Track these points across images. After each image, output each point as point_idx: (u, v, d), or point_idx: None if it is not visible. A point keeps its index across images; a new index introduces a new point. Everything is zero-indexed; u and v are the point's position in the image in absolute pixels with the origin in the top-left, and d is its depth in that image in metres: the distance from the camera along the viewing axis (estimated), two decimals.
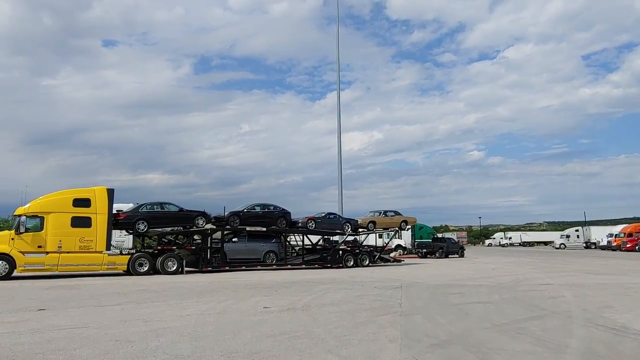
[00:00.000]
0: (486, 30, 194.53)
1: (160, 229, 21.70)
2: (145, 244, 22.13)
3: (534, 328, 8.04)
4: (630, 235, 55.51)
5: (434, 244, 41.15)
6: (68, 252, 18.13)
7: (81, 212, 18.67)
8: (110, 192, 19.46)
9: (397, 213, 29.24)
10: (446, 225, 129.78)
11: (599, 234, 66.60)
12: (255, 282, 16.27)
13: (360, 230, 28.04)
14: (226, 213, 22.70)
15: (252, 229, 23.16)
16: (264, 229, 23.42)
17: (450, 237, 50.11)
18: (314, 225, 24.99)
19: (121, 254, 19.99)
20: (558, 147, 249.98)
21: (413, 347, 6.61)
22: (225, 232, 22.76)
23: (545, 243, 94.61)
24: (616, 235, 58.55)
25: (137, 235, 21.32)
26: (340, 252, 25.44)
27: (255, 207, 23.87)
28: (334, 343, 6.78)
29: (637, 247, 51.09)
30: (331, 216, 26.61)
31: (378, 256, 27.49)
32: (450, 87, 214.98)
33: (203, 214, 21.88)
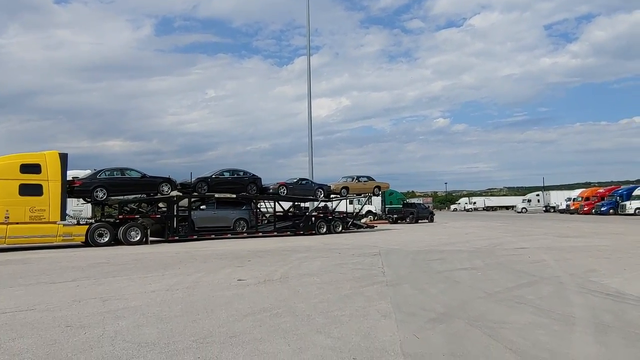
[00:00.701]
0: None
1: (121, 197, 20.30)
2: (105, 213, 20.69)
3: (530, 296, 7.52)
4: (587, 199, 57.83)
5: (405, 210, 41.16)
6: (17, 223, 16.61)
7: (30, 178, 17.04)
8: (64, 157, 17.83)
9: (370, 178, 28.64)
10: (412, 192, 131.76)
11: (558, 199, 69.07)
12: (226, 252, 15.35)
13: (332, 196, 27.35)
14: (193, 179, 21.44)
15: (221, 195, 22.05)
16: (234, 196, 22.34)
17: (420, 202, 50.31)
18: (285, 192, 24.08)
19: (78, 224, 18.57)
20: (519, 115, 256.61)
21: (410, 322, 5.91)
22: (193, 200, 21.58)
23: (507, 207, 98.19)
24: (574, 199, 60.75)
25: (96, 203, 19.84)
26: (313, 218, 24.73)
27: (224, 173, 22.69)
28: (322, 320, 6.00)
29: (593, 211, 52.99)
30: (303, 182, 25.74)
31: (351, 222, 26.98)
32: (417, 54, 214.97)
33: (168, 181, 20.57)
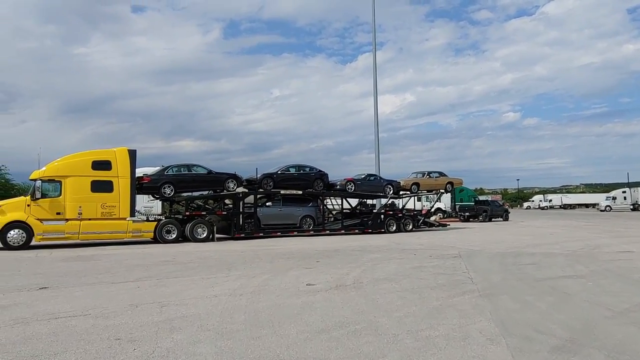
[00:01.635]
0: None
1: (188, 193, 20.21)
2: (173, 210, 20.71)
3: None
4: None
5: (478, 207, 38.77)
6: (89, 220, 16.81)
7: (102, 175, 17.20)
8: (132, 154, 17.89)
9: (441, 174, 26.90)
10: (481, 188, 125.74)
11: None
12: (292, 251, 14.54)
13: (401, 193, 25.92)
14: (259, 175, 20.94)
15: (287, 192, 21.38)
16: (300, 192, 21.60)
17: (492, 200, 47.29)
18: (353, 188, 23.01)
19: (147, 220, 18.62)
20: (598, 106, 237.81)
21: (528, 351, 4.61)
22: (259, 196, 21.08)
23: (587, 206, 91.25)
24: None
25: (164, 200, 19.85)
26: (382, 216, 23.47)
27: (290, 169, 22.01)
28: (412, 343, 4.85)
29: None
30: (371, 178, 24.54)
31: (422, 220, 25.41)
32: (485, 46, 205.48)
33: (234, 177, 20.19)
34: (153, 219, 18.60)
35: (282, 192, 21.26)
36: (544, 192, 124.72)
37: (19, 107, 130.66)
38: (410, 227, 24.16)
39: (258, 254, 13.87)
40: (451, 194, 42.12)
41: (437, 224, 26.99)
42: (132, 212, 17.72)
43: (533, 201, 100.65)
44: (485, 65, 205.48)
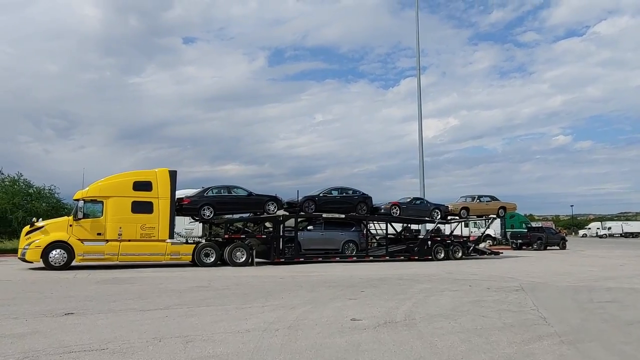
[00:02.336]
0: (574, 5, 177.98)
1: (228, 216, 19.74)
2: (212, 232, 20.26)
3: None
4: None
5: (531, 234, 36.36)
6: (129, 241, 16.53)
7: (142, 196, 16.98)
8: (173, 175, 17.62)
9: (493, 198, 25.26)
10: (530, 214, 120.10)
11: None
12: (335, 279, 13.57)
13: (449, 217, 24.48)
14: (300, 198, 20.22)
15: (329, 215, 20.51)
16: (343, 216, 20.68)
17: (548, 227, 44.48)
18: (398, 212, 21.86)
19: (187, 242, 18.20)
20: None
21: None
22: (300, 219, 20.32)
23: None
24: None
25: (203, 222, 19.43)
26: (429, 242, 22.10)
27: (333, 192, 21.20)
28: None
29: None
30: (417, 202, 23.30)
31: (472, 248, 23.80)
32: (533, 68, 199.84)
33: (274, 199, 19.56)
34: (192, 242, 18.15)
35: (324, 215, 20.42)
36: (600, 219, 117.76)
37: (79, 133, 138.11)
38: (460, 254, 22.65)
39: (298, 280, 12.99)
40: (501, 220, 39.98)
41: (489, 251, 25.22)
42: (171, 234, 17.34)
43: (590, 229, 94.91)
44: (532, 87, 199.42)
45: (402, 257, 21.57)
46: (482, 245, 28.54)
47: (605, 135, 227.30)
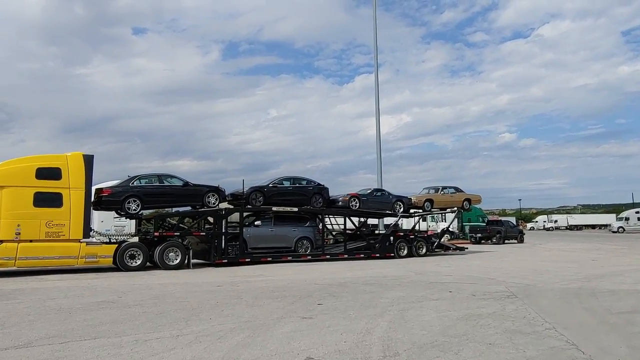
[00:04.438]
0: (520, 8, 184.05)
1: (160, 210, 16.79)
2: (142, 229, 17.18)
3: None
4: None
5: (490, 228, 35.30)
6: (30, 241, 13.29)
7: (48, 186, 13.72)
8: (89, 160, 14.44)
9: (457, 190, 23.53)
10: (479, 209, 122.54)
11: None
12: (285, 284, 11.03)
13: (412, 211, 22.52)
14: (246, 189, 17.51)
15: (280, 209, 17.93)
16: (296, 209, 18.15)
17: (506, 220, 43.86)
18: (358, 205, 19.59)
19: (109, 242, 15.11)
20: (594, 127, 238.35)
21: None
22: (246, 214, 17.64)
23: (593, 226, 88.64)
24: None
25: (128, 217, 16.31)
26: (392, 238, 19.98)
27: (284, 182, 18.64)
28: None
29: None
30: (378, 194, 21.14)
31: (437, 243, 21.95)
32: (481, 68, 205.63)
33: (215, 190, 16.77)
34: (114, 241, 15.06)
35: (274, 209, 17.81)
36: (542, 212, 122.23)
37: (19, 126, 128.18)
38: (424, 250, 20.70)
39: (238, 289, 10.36)
40: (456, 214, 38.80)
41: (454, 247, 23.49)
42: (87, 232, 14.21)
43: (537, 222, 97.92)
44: (481, 86, 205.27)
45: (362, 255, 19.32)
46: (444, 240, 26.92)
47: (546, 133, 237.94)
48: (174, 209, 17.78)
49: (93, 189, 15.00)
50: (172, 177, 16.48)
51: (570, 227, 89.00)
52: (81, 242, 14.00)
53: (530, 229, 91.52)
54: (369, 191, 20.87)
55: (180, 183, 16.32)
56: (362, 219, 22.68)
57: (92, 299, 8.90)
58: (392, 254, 19.62)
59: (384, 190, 21.63)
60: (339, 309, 7.77)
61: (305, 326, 6.52)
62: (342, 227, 20.55)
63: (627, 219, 65.03)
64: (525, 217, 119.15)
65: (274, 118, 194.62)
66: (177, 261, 15.23)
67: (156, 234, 15.46)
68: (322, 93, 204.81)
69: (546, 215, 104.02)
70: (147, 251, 14.98)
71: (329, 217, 21.10)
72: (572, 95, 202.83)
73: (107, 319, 6.98)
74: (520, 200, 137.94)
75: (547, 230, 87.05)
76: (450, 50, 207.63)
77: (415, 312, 7.51)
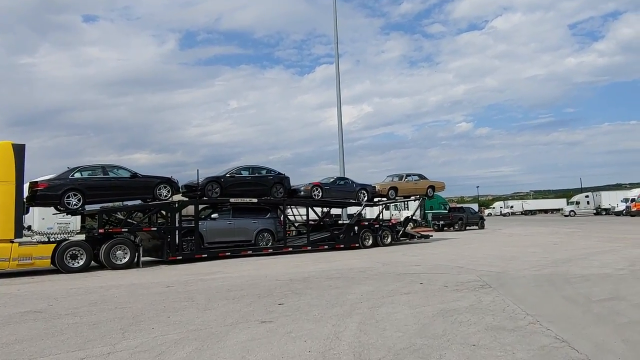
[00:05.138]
0: (475, 0, 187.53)
1: (107, 204, 15.43)
2: (87, 226, 15.76)
3: None
4: None
5: (453, 215, 35.43)
6: None
7: None
8: (19, 150, 12.88)
9: (421, 177, 23.15)
10: (441, 196, 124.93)
11: (611, 200, 62.60)
12: (244, 282, 10.11)
13: (376, 199, 21.97)
14: (201, 180, 16.36)
15: (239, 200, 16.90)
16: (255, 200, 17.16)
17: (468, 206, 44.33)
18: (320, 194, 18.79)
19: (48, 241, 13.66)
20: (544, 117, 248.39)
21: None
22: (201, 206, 16.51)
23: (546, 211, 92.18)
24: (634, 199, 53.99)
25: (69, 213, 14.83)
26: (356, 228, 19.34)
27: (242, 171, 17.57)
28: None
29: None
30: (341, 182, 20.41)
31: (402, 232, 21.52)
32: (439, 59, 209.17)
33: (167, 182, 15.52)
34: (53, 240, 13.63)
35: (232, 200, 16.76)
36: (498, 199, 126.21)
37: None
38: (389, 240, 20.20)
39: (190, 289, 9.36)
40: (420, 202, 38.84)
41: (419, 235, 23.16)
42: (19, 231, 12.73)
43: (494, 208, 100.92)
44: (439, 77, 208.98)
45: (326, 247, 18.58)
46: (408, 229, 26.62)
47: (500, 122, 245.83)
48: (123, 203, 16.37)
49: (26, 183, 13.51)
50: (118, 168, 15.10)
51: (525, 212, 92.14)
52: (13, 243, 12.53)
53: (488, 215, 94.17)
54: (332, 180, 20.11)
55: (127, 174, 14.97)
56: (325, 209, 21.98)
57: (16, 309, 7.69)
58: (357, 244, 19.00)
59: (347, 179, 20.93)
60: (302, 309, 6.95)
61: (263, 333, 5.66)
62: (304, 217, 19.79)
63: (577, 203, 67.59)
64: (483, 203, 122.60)
65: (234, 109, 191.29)
66: (126, 260, 13.97)
67: (101, 230, 14.10)
68: (283, 84, 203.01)
69: (503, 202, 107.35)
70: (91, 250, 13.64)
71: (291, 208, 20.26)
72: (523, 86, 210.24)
73: (26, 335, 5.87)
74: (478, 187, 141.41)
75: (503, 215, 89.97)
76: (409, 41, 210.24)
77: (386, 309, 6.79)
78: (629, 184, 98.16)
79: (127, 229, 14.65)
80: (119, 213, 15.52)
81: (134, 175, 14.99)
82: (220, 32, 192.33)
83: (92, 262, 13.74)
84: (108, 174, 14.72)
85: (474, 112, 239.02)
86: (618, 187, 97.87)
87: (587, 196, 68.49)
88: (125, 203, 15.86)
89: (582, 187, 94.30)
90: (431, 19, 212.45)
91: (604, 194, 67.85)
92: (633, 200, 54.04)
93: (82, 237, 14.48)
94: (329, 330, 5.67)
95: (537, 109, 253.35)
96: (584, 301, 7.06)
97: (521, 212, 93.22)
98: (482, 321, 5.94)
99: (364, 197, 20.35)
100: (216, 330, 5.85)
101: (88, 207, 14.59)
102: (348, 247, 18.71)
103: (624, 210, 53.87)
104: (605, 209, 62.53)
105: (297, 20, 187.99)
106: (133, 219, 15.64)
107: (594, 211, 64.33)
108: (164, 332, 5.76)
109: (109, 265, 13.65)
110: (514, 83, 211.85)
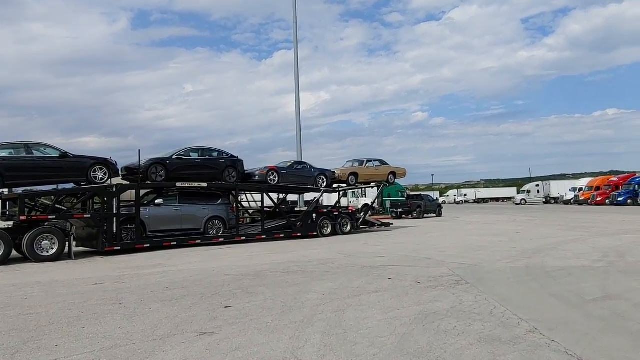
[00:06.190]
0: None
1: (31, 188, 13.53)
2: (8, 212, 13.80)
3: None
4: (598, 188, 53.01)
5: (411, 202, 35.00)
6: None
7: None
8: None
9: (382, 162, 22.26)
10: (399, 184, 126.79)
11: (559, 189, 64.95)
12: (187, 277, 8.75)
13: (336, 186, 20.93)
14: (143, 161, 14.69)
15: (187, 185, 15.35)
16: (205, 185, 15.66)
17: (427, 194, 44.27)
18: (277, 179, 17.49)
19: None
20: (496, 108, 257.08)
21: None
22: (144, 191, 14.86)
23: (497, 199, 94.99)
24: (581, 189, 56.07)
25: None
26: (314, 215, 18.21)
27: (191, 153, 16.01)
28: None
29: (607, 201, 48.10)
30: (299, 166, 19.16)
31: (362, 219, 20.61)
32: (397, 48, 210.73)
33: (104, 163, 13.80)
34: None
35: (179, 184, 15.20)
36: (451, 187, 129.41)
37: None
38: (349, 228, 19.21)
39: (122, 287, 7.91)
40: (378, 189, 38.26)
41: (379, 223, 22.34)
42: None
43: (448, 196, 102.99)
44: (396, 66, 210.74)
45: (283, 235, 17.36)
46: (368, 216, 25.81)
47: (455, 112, 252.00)
48: (58, 187, 14.46)
49: None
50: (45, 146, 13.21)
51: (478, 201, 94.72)
52: None
53: (442, 203, 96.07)
54: (289, 164, 18.84)
55: (56, 154, 13.12)
56: (281, 195, 20.73)
57: None
58: (315, 233, 17.90)
59: (305, 163, 19.70)
60: (253, 315, 5.73)
61: (201, 350, 4.40)
62: (259, 204, 18.45)
63: (528, 192, 69.64)
64: (437, 191, 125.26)
65: (190, 93, 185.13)
66: (54, 251, 12.23)
67: (22, 217, 12.24)
68: (240, 68, 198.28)
69: (456, 190, 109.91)
70: (10, 240, 11.80)
71: (245, 194, 18.89)
72: (477, 77, 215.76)
73: None
74: (433, 175, 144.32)
75: (457, 203, 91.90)
76: (368, 30, 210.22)
77: (354, 314, 5.68)
78: (572, 174, 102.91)
79: (54, 216, 12.84)
80: (45, 198, 13.63)
81: (64, 155, 13.15)
82: (175, 12, 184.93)
83: (16, 253, 11.93)
84: (32, 154, 12.81)
85: (430, 102, 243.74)
86: (562, 177, 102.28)
87: (537, 185, 70.74)
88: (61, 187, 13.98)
89: (531, 176, 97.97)
90: (390, 8, 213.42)
91: (553, 183, 70.34)
92: (581, 189, 56.16)
93: (10, 224, 12.61)
94: (285, 345, 4.49)
95: (489, 100, 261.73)
96: (577, 301, 6.22)
97: (474, 200, 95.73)
98: (471, 329, 4.93)
99: (323, 182, 19.23)
100: (140, 347, 4.53)
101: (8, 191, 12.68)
102: (306, 236, 17.58)
103: (572, 199, 55.82)
104: (554, 198, 64.61)
105: (256, 3, 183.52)
106: (63, 204, 13.80)
107: (544, 200, 66.41)
108: (67, 354, 4.39)
109: (33, 257, 11.89)
110: (468, 74, 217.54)
